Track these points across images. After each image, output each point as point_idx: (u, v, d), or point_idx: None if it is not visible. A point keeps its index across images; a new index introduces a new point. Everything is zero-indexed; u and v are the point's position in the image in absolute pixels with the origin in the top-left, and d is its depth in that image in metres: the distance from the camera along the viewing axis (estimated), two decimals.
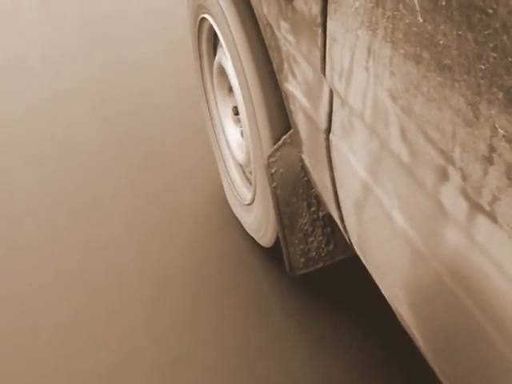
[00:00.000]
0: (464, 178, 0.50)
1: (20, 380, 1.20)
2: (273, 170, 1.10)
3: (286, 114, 1.04)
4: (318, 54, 0.76)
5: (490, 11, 0.42)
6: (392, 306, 0.80)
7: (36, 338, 1.28)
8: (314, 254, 1.19)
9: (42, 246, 1.53)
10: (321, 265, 1.21)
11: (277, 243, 1.28)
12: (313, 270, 1.22)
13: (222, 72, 1.36)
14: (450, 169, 0.52)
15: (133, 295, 1.36)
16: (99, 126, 2.02)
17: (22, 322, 1.32)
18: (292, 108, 0.97)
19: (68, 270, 1.44)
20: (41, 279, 1.43)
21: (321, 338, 1.21)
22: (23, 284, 1.42)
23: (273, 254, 1.38)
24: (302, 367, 1.17)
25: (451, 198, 0.53)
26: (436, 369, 0.71)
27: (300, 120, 0.95)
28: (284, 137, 1.07)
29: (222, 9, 1.13)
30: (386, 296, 0.81)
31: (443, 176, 0.54)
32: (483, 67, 0.44)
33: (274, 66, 1.00)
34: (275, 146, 1.08)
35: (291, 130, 1.05)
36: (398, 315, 0.79)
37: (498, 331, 0.51)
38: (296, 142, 1.04)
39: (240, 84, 1.18)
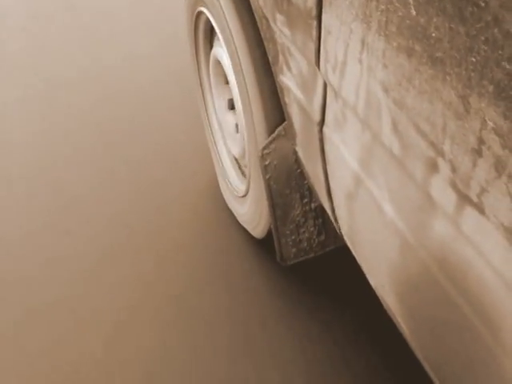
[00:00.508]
0: (453, 170, 0.51)
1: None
2: (267, 162, 1.10)
3: (281, 107, 1.04)
4: (312, 46, 0.76)
5: (482, 4, 0.42)
6: (379, 295, 0.81)
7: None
8: (305, 244, 1.20)
9: (31, 235, 1.53)
10: (312, 255, 1.22)
11: (269, 234, 1.29)
12: (303, 260, 1.23)
13: (218, 65, 1.37)
14: (440, 161, 0.53)
15: (126, 281, 1.36)
16: (93, 120, 2.02)
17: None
18: (286, 100, 0.98)
19: (61, 256, 1.45)
20: (29, 271, 1.43)
21: (309, 328, 1.22)
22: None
23: (265, 245, 1.39)
24: (293, 358, 1.18)
25: (440, 189, 0.54)
26: (421, 358, 0.72)
27: (294, 112, 0.95)
28: (278, 129, 1.08)
29: (218, 1, 1.13)
30: (373, 286, 0.82)
31: (433, 168, 0.54)
32: (474, 60, 0.45)
33: (270, 59, 1.00)
34: (269, 138, 1.09)
35: (285, 123, 1.06)
36: (384, 305, 0.80)
37: (483, 322, 0.52)
38: (290, 135, 1.04)
39: (236, 76, 1.18)
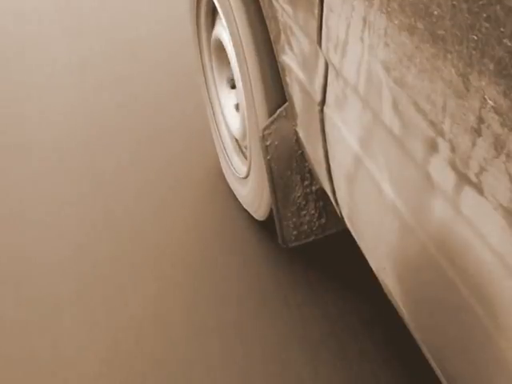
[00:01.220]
0: (453, 149, 0.51)
1: None
2: (268, 143, 1.10)
3: (282, 87, 1.04)
4: (314, 24, 0.75)
5: None
6: (380, 278, 0.81)
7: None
8: (306, 227, 1.20)
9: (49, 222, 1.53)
10: (312, 238, 1.22)
11: (270, 217, 1.29)
12: (306, 242, 1.23)
13: (220, 45, 1.35)
14: (440, 140, 0.53)
15: (132, 269, 1.37)
16: (96, 103, 2.01)
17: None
18: (288, 80, 0.97)
19: (81, 243, 1.46)
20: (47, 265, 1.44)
21: (311, 311, 1.23)
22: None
23: (266, 227, 1.39)
24: (295, 340, 1.19)
25: (440, 169, 0.54)
26: (419, 340, 0.73)
27: (295, 92, 0.95)
28: (279, 109, 1.07)
29: None
30: (374, 269, 0.82)
31: (433, 148, 0.54)
32: (476, 38, 0.44)
33: (272, 38, 0.99)
34: (270, 119, 1.08)
35: (286, 103, 1.05)
36: (385, 288, 0.80)
37: (481, 303, 0.52)
38: (291, 115, 1.04)
39: (237, 56, 1.17)
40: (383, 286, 0.80)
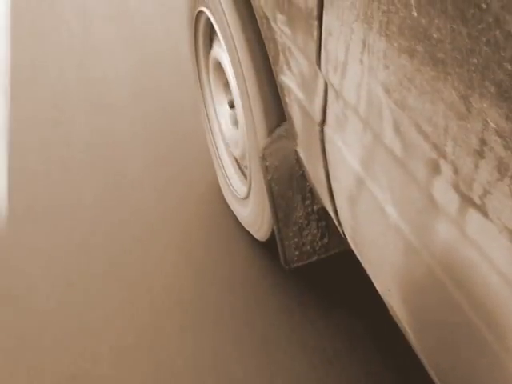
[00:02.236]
0: (455, 171, 0.51)
1: None
2: (267, 163, 1.10)
3: (281, 107, 1.04)
4: (313, 46, 0.76)
5: (484, 6, 0.42)
6: (385, 300, 0.80)
7: None
8: (308, 247, 1.19)
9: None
10: (315, 258, 1.21)
11: (272, 237, 1.28)
12: (307, 263, 1.22)
13: (218, 65, 1.36)
14: (442, 162, 0.52)
15: (129, 287, 1.36)
16: (96, 119, 2.02)
17: None
18: (287, 100, 0.97)
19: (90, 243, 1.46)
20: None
21: (316, 333, 1.22)
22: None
23: (268, 248, 1.39)
24: (295, 358, 1.17)
25: (443, 191, 0.54)
26: (426, 363, 0.72)
27: (295, 112, 0.95)
28: (279, 129, 1.07)
29: (219, 1, 1.13)
30: (379, 291, 0.81)
31: (435, 169, 0.54)
32: (476, 61, 0.45)
33: (270, 58, 1.00)
34: (270, 139, 1.09)
35: (286, 123, 1.05)
36: (390, 310, 0.79)
37: (488, 326, 0.52)
38: (291, 135, 1.04)
39: (236, 76, 1.18)
40: (388, 307, 0.79)
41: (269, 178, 1.11)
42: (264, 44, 1.02)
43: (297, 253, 1.20)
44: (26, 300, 1.34)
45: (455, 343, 0.60)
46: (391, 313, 0.79)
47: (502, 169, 0.44)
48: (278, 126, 1.08)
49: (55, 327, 1.28)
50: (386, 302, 0.80)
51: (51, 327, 1.28)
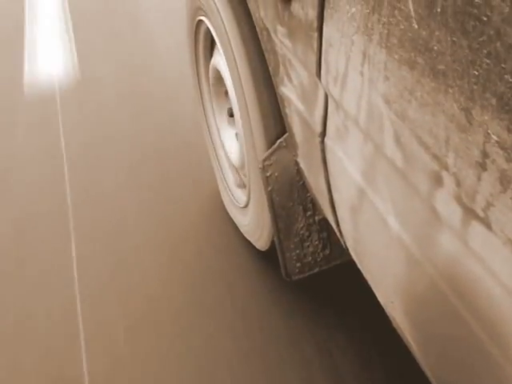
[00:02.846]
0: (458, 183, 0.50)
1: None
2: (268, 174, 1.10)
3: (281, 118, 1.04)
4: (313, 58, 0.76)
5: (485, 19, 0.42)
6: (388, 313, 0.79)
7: None
8: (309, 258, 1.18)
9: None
10: (317, 270, 1.20)
11: (273, 247, 1.27)
12: (308, 274, 1.21)
13: (218, 75, 1.37)
14: (444, 174, 0.52)
15: (129, 295, 1.36)
16: (92, 130, 2.02)
17: None
18: (287, 111, 0.97)
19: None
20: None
21: (316, 345, 1.21)
22: None
23: (269, 258, 1.38)
24: (295, 371, 1.16)
25: (445, 203, 0.53)
26: (430, 376, 0.71)
27: (295, 123, 0.95)
28: (279, 140, 1.07)
29: (219, 11, 1.13)
30: (381, 303, 0.81)
31: (437, 181, 0.54)
32: (477, 73, 0.45)
33: (270, 70, 1.00)
34: (270, 150, 1.08)
35: (286, 134, 1.05)
36: (393, 322, 0.79)
37: (493, 340, 0.51)
38: (291, 146, 1.04)
39: (235, 87, 1.18)
40: (391, 320, 0.78)
41: (269, 188, 1.11)
42: (263, 55, 1.02)
43: (298, 264, 1.19)
44: None
45: (459, 356, 0.59)
46: (394, 325, 0.79)
47: (504, 181, 0.44)
48: (278, 137, 1.08)
49: None
50: (388, 314, 0.79)
51: None
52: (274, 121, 1.08)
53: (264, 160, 1.09)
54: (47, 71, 2.39)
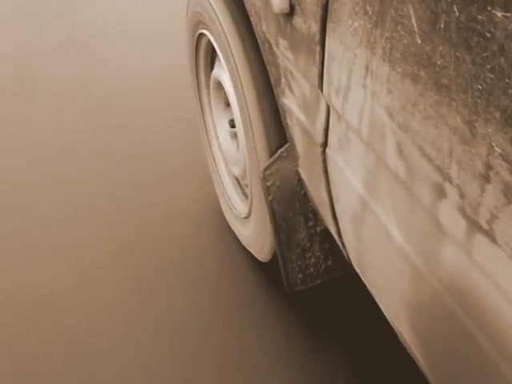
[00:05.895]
0: (461, 195, 0.51)
1: None
2: (269, 183, 1.10)
3: (283, 128, 1.05)
4: (315, 70, 0.77)
5: (488, 35, 0.42)
6: (392, 325, 0.79)
7: None
8: (312, 269, 1.17)
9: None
10: (319, 281, 1.19)
11: (274, 258, 1.26)
12: (311, 286, 1.20)
13: (219, 86, 1.37)
14: (447, 186, 0.52)
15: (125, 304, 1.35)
16: (90, 139, 2.03)
17: None
18: (289, 122, 0.98)
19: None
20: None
21: (317, 360, 1.20)
22: None
23: (271, 270, 1.37)
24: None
25: (449, 215, 0.53)
26: None
27: (296, 134, 0.95)
28: (280, 150, 1.08)
29: (221, 25, 1.14)
30: (386, 316, 0.80)
31: (440, 193, 0.54)
32: (480, 87, 0.45)
33: (272, 81, 1.01)
34: (271, 159, 1.09)
35: (288, 144, 1.06)
36: (398, 335, 0.78)
37: (499, 352, 0.51)
38: (292, 156, 1.04)
39: (237, 98, 1.18)
40: (398, 334, 0.77)
41: (270, 198, 1.11)
42: (265, 66, 1.03)
43: (300, 276, 1.18)
44: None
45: (468, 373, 0.59)
46: (400, 339, 0.78)
47: (508, 193, 0.44)
48: (279, 146, 1.08)
49: None
50: (394, 328, 0.78)
51: None
52: (276, 131, 1.09)
53: (265, 169, 1.09)
54: None
